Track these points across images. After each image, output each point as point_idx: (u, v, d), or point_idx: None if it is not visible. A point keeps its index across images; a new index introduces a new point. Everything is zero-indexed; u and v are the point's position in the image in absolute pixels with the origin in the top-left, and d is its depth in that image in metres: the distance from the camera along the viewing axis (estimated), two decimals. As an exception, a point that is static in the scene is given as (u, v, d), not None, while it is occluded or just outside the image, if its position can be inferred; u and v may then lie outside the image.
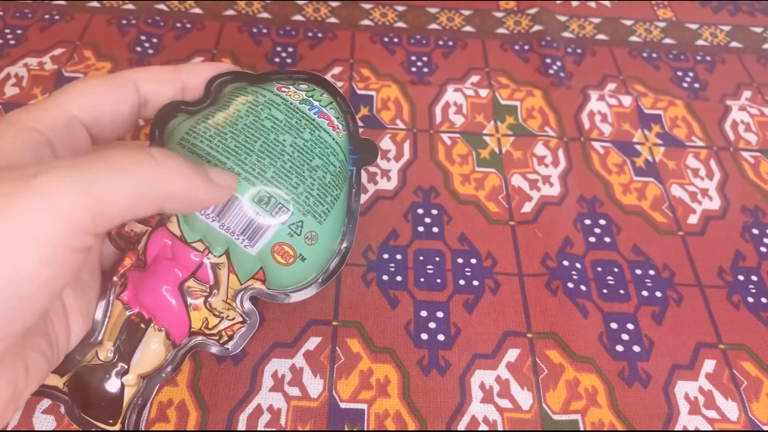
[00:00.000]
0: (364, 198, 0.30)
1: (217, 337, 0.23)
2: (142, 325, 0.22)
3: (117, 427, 0.21)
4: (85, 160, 0.16)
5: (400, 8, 0.42)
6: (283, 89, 0.24)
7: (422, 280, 0.28)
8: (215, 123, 0.22)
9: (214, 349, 0.23)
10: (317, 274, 0.24)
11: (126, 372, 0.22)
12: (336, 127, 0.25)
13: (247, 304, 0.23)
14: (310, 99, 0.24)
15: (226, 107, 0.23)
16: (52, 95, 0.21)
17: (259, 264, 0.23)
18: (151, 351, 0.22)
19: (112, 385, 0.21)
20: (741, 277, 0.29)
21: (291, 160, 0.23)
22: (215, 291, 0.23)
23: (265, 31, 0.39)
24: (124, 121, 0.22)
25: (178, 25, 0.39)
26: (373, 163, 0.27)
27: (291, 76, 0.25)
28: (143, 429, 0.22)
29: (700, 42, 0.42)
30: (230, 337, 0.23)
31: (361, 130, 0.32)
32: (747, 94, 0.38)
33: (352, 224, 0.25)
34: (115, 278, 0.22)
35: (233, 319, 0.23)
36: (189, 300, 0.22)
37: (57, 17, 0.38)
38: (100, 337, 0.22)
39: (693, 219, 0.31)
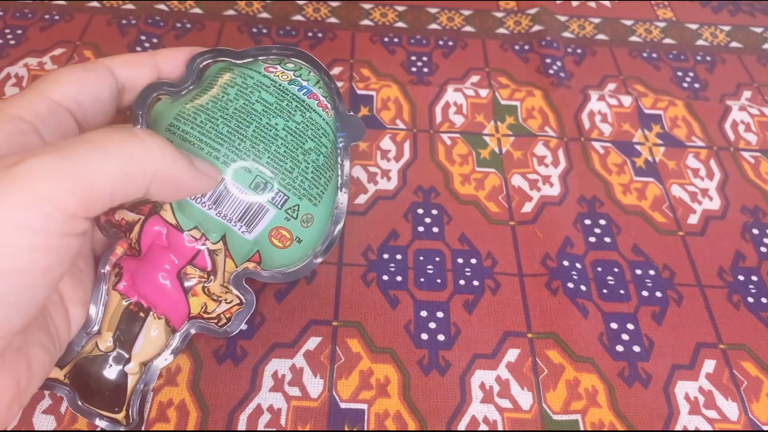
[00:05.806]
0: (364, 198, 0.30)
1: (216, 321, 0.23)
2: (141, 314, 0.22)
3: (122, 415, 0.21)
4: (68, 143, 0.16)
5: (400, 8, 0.42)
6: (271, 69, 0.24)
7: (422, 280, 0.28)
8: (204, 108, 0.22)
9: (213, 332, 0.23)
10: (312, 252, 0.24)
11: (128, 361, 0.22)
12: (325, 107, 0.24)
13: (243, 286, 0.23)
14: (298, 79, 0.24)
15: (214, 90, 0.23)
16: (31, 85, 0.20)
17: (255, 248, 0.23)
18: (152, 338, 0.22)
19: (114, 374, 0.21)
20: (741, 277, 0.29)
21: (285, 144, 0.23)
22: (212, 277, 0.23)
23: (265, 31, 0.39)
24: (106, 106, 0.22)
25: (178, 25, 0.39)
26: (361, 140, 0.26)
27: (275, 53, 0.25)
28: (143, 429, 0.22)
29: (700, 42, 0.42)
30: (228, 320, 0.23)
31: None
32: (747, 94, 0.38)
33: (342, 203, 0.25)
34: (108, 268, 0.22)
35: (231, 302, 0.23)
36: (187, 286, 0.22)
37: (57, 17, 0.38)
38: (96, 328, 0.22)
39: (693, 219, 0.31)
